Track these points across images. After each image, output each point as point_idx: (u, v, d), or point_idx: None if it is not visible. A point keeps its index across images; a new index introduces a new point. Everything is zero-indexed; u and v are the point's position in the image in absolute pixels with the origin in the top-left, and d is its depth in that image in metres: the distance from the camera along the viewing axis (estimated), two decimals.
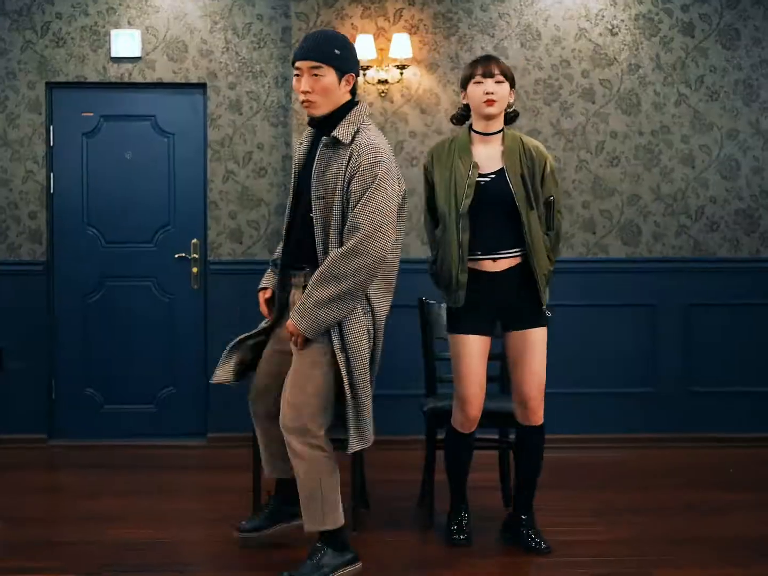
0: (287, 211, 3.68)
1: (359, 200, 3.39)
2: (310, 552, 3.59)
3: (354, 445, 3.48)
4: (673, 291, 5.94)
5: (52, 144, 6.04)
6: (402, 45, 5.73)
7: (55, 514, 4.61)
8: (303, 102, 3.52)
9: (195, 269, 6.07)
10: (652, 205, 5.97)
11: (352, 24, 5.86)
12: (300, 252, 3.58)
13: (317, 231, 3.47)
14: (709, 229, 5.97)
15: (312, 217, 3.49)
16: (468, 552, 3.98)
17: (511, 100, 3.96)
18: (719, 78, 5.95)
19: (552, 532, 4.13)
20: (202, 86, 6.06)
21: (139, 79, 6.02)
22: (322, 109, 3.51)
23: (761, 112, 5.96)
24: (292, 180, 3.69)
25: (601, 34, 5.93)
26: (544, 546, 3.95)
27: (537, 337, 3.94)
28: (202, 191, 6.09)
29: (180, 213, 6.08)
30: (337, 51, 3.49)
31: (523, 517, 4.02)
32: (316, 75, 3.47)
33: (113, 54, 5.98)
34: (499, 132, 3.94)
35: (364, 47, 5.72)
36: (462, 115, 4.05)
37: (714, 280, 5.93)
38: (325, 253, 3.46)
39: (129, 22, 6.00)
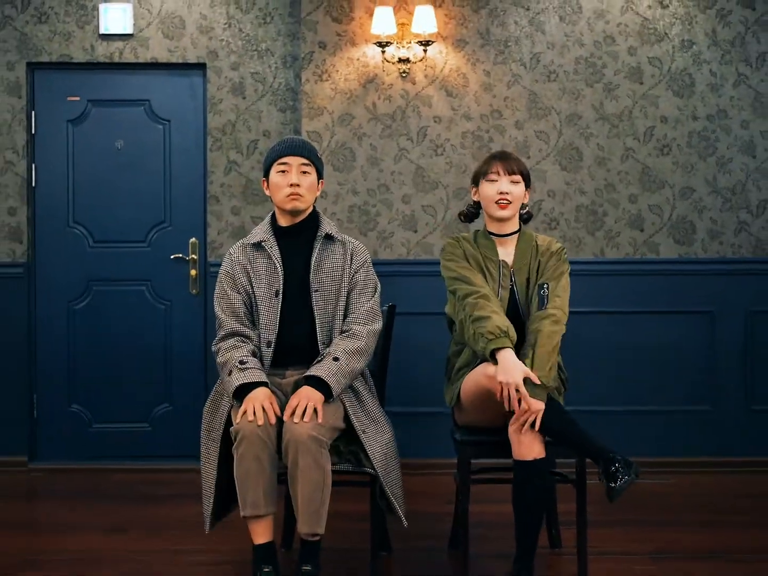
0: (268, 316, 3.66)
1: (367, 290, 3.72)
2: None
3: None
4: (732, 296, 5.45)
5: (33, 132, 5.66)
6: (426, 19, 5.24)
7: (32, 557, 4.02)
8: (291, 195, 3.64)
9: (193, 272, 5.65)
10: (707, 199, 5.46)
11: None
12: (297, 348, 3.66)
13: (319, 321, 3.65)
14: None
15: (313, 309, 3.65)
16: None
17: (526, 201, 3.79)
18: None
19: None
20: (201, 67, 5.64)
21: (130, 59, 5.60)
22: (305, 204, 3.69)
23: None
24: (279, 283, 3.67)
25: (650, 7, 5.41)
26: None
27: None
28: (201, 184, 5.68)
29: (177, 209, 5.68)
30: (318, 155, 3.79)
31: (516, 565, 3.46)
32: (305, 172, 3.68)
33: (102, 31, 5.57)
34: (515, 233, 3.77)
35: (383, 21, 5.23)
36: (472, 213, 3.90)
37: None
38: (329, 339, 3.65)
39: None
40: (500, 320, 3.43)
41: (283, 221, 3.71)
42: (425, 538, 4.13)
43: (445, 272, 3.70)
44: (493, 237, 3.73)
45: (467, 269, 3.64)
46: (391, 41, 5.31)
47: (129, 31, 5.54)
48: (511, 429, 3.38)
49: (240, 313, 3.63)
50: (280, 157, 3.67)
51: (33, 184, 5.62)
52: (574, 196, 5.42)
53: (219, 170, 5.56)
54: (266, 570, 3.39)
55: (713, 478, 5.19)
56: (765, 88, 5.41)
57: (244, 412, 3.37)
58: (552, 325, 3.49)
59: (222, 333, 3.63)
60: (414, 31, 5.27)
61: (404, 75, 5.38)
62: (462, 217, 3.90)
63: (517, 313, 3.62)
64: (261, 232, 3.72)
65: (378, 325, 3.69)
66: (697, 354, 5.43)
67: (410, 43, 5.33)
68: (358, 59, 5.38)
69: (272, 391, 3.52)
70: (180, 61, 5.58)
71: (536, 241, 3.73)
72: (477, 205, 3.81)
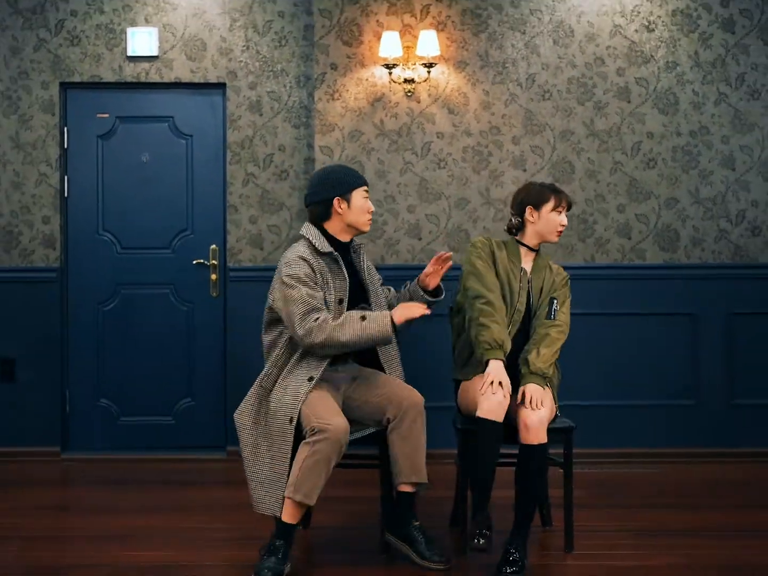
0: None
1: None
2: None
3: None
4: (713, 299, 5.73)
5: (66, 146, 5.90)
6: (429, 42, 5.55)
7: (68, 534, 4.40)
8: (370, 219, 4.05)
9: (214, 276, 5.91)
10: (690, 209, 5.75)
11: (377, 21, 5.66)
12: None
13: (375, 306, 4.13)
14: (750, 233, 5.74)
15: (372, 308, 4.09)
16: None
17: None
18: (761, 76, 5.72)
19: (592, 555, 3.94)
20: (221, 86, 5.90)
21: (156, 78, 5.86)
22: None
23: None
24: (346, 291, 4.00)
25: (636, 31, 5.72)
26: (511, 570, 3.69)
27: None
28: (221, 195, 5.92)
29: (198, 217, 5.93)
30: None
31: (515, 536, 3.80)
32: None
33: (129, 53, 5.83)
34: (537, 250, 4.23)
35: (390, 45, 5.55)
36: (518, 228, 4.22)
37: (756, 287, 5.71)
38: None
39: (146, 20, 5.83)
40: (498, 332, 3.87)
41: (345, 237, 4.03)
42: (429, 517, 4.44)
43: (467, 266, 4.07)
44: (526, 249, 4.15)
45: (486, 269, 4.03)
46: (398, 63, 5.61)
47: (154, 53, 5.81)
48: (521, 418, 3.77)
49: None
50: (365, 184, 4.04)
51: (65, 195, 5.88)
52: None
53: (237, 182, 5.86)
54: (278, 543, 3.74)
55: (696, 467, 5.51)
56: (744, 106, 5.72)
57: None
58: (558, 333, 4.02)
59: (316, 315, 3.83)
60: (418, 53, 5.57)
61: (409, 94, 5.70)
62: (509, 230, 4.24)
63: (529, 315, 4.10)
64: (321, 242, 3.95)
65: None
66: (681, 352, 5.72)
67: (415, 64, 5.63)
68: (366, 79, 5.70)
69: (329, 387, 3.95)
70: (202, 80, 5.85)
71: (549, 264, 4.22)
72: (523, 223, 4.16)
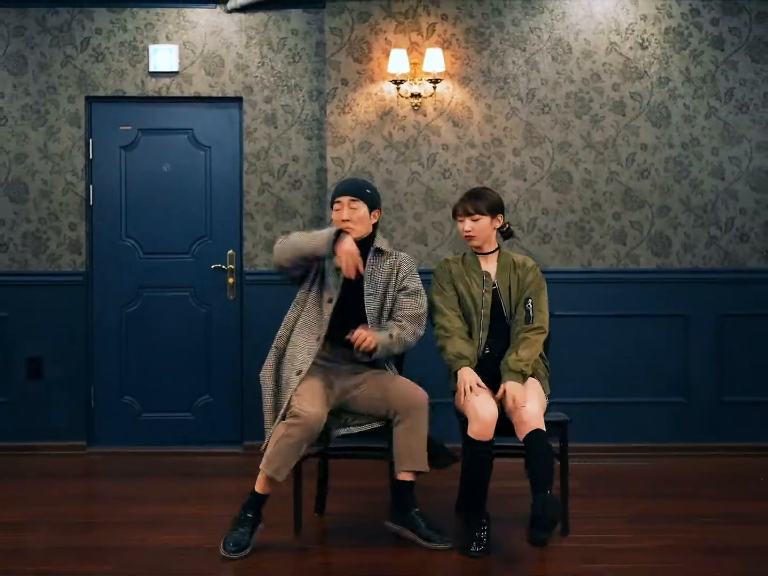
0: (331, 313, 4.31)
1: (414, 295, 4.42)
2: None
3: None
4: (703, 301, 6.00)
5: (91, 157, 6.16)
6: (435, 59, 5.83)
7: (99, 520, 4.70)
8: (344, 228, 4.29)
9: (231, 280, 6.16)
10: (682, 217, 6.03)
11: (385, 39, 5.96)
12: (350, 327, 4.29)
13: (370, 320, 4.34)
14: (738, 240, 6.02)
15: (365, 309, 4.35)
16: (501, 559, 4.03)
17: (498, 225, 4.47)
18: (749, 90, 6.00)
19: (583, 539, 4.23)
20: (238, 100, 6.17)
21: (176, 93, 6.14)
22: (357, 234, 4.32)
23: None
24: (338, 288, 4.32)
25: (631, 48, 6.01)
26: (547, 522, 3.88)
27: (528, 384, 4.22)
28: (238, 203, 6.19)
29: (216, 224, 6.19)
30: (368, 191, 4.40)
31: (535, 497, 3.99)
32: (353, 207, 4.33)
33: (151, 68, 6.11)
34: (494, 251, 4.48)
35: (398, 61, 5.83)
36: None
37: (744, 290, 5.98)
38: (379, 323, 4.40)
39: (167, 38, 6.12)
40: (454, 345, 4.28)
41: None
42: (436, 505, 4.75)
43: (431, 296, 4.44)
44: (478, 254, 4.47)
45: (443, 299, 4.38)
46: (405, 79, 5.89)
47: (175, 69, 6.09)
48: (515, 415, 4.05)
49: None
50: (334, 197, 4.40)
51: (90, 203, 6.15)
52: (564, 213, 6.01)
53: (254, 190, 6.15)
54: (249, 515, 4.14)
55: (686, 460, 5.80)
56: (732, 119, 6.00)
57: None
58: (537, 335, 4.32)
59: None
60: (425, 70, 5.85)
61: (416, 108, 5.98)
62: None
63: (501, 313, 4.37)
64: None
65: (421, 331, 4.37)
66: (672, 352, 5.99)
67: (421, 80, 5.92)
68: (376, 94, 5.98)
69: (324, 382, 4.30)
70: (219, 95, 6.13)
71: (513, 259, 4.46)
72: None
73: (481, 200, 4.41)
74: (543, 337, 4.35)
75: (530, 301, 4.37)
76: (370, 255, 4.39)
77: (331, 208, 4.42)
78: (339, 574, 3.97)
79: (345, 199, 4.35)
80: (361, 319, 4.33)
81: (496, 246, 4.49)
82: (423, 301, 4.40)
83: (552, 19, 5.99)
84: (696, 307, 6.00)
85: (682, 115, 6.02)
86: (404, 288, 4.40)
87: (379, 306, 4.40)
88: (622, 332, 5.99)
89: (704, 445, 5.95)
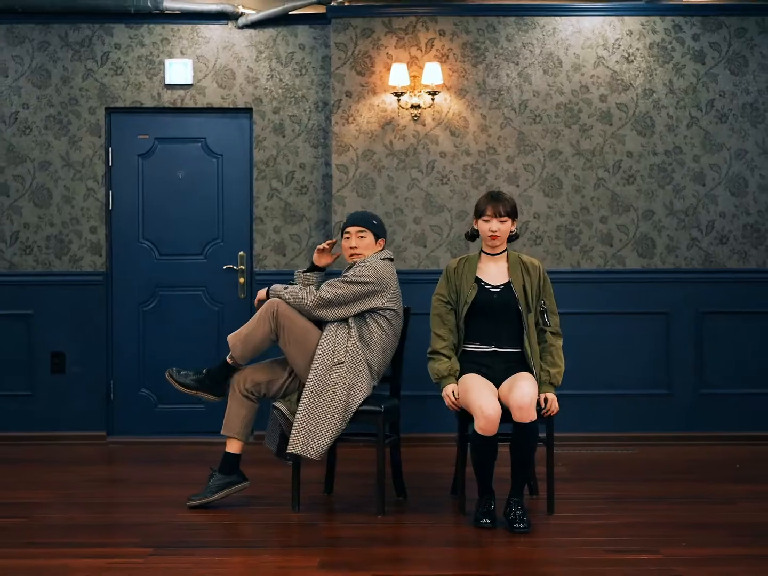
0: None
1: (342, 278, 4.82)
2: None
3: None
4: (685, 300, 6.32)
5: (110, 164, 6.50)
6: (433, 72, 6.17)
7: (122, 501, 5.07)
8: (351, 255, 4.86)
9: (242, 279, 6.50)
10: (665, 220, 6.36)
11: (387, 53, 6.31)
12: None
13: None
14: (718, 242, 6.35)
15: None
16: (493, 533, 4.39)
17: (513, 230, 4.71)
18: (728, 102, 6.35)
19: (568, 516, 4.59)
20: (248, 110, 6.51)
21: (190, 104, 6.48)
22: (360, 259, 4.83)
23: (767, 133, 6.36)
24: None
25: (617, 62, 6.35)
26: (522, 526, 4.34)
27: (525, 375, 4.57)
28: (248, 207, 6.53)
29: (228, 227, 6.52)
30: (374, 222, 4.90)
31: (513, 499, 4.45)
32: (361, 236, 4.85)
33: (167, 81, 6.45)
34: (503, 252, 4.72)
35: (399, 75, 6.17)
36: (474, 235, 4.82)
37: (724, 289, 6.32)
38: None
39: (181, 52, 6.48)
40: (436, 365, 4.63)
41: None
42: (432, 489, 5.15)
43: (433, 300, 4.74)
44: (488, 255, 4.70)
45: (437, 316, 4.68)
46: (405, 91, 6.22)
47: (189, 81, 6.43)
48: (514, 400, 4.38)
49: None
50: (344, 228, 4.92)
51: (110, 208, 6.48)
52: (555, 217, 6.34)
53: (263, 196, 6.48)
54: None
55: (668, 449, 6.16)
56: (713, 128, 6.35)
57: None
58: (556, 338, 4.71)
59: None
60: (424, 82, 6.19)
61: (416, 118, 6.31)
62: (466, 237, 4.87)
63: (514, 312, 4.62)
64: None
65: (325, 296, 4.69)
66: (656, 347, 6.33)
67: (421, 92, 6.25)
68: (377, 105, 6.31)
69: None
70: (231, 106, 6.47)
71: (520, 258, 4.72)
72: (476, 231, 4.74)
73: (507, 202, 4.64)
74: (561, 337, 4.73)
75: (544, 303, 4.68)
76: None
77: (342, 237, 4.91)
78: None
79: (353, 230, 4.86)
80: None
81: (505, 247, 4.73)
82: (341, 283, 4.72)
83: (543, 35, 6.34)
84: (678, 305, 6.33)
85: (665, 125, 6.35)
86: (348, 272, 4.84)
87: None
88: (609, 328, 6.31)
89: (685, 434, 6.28)
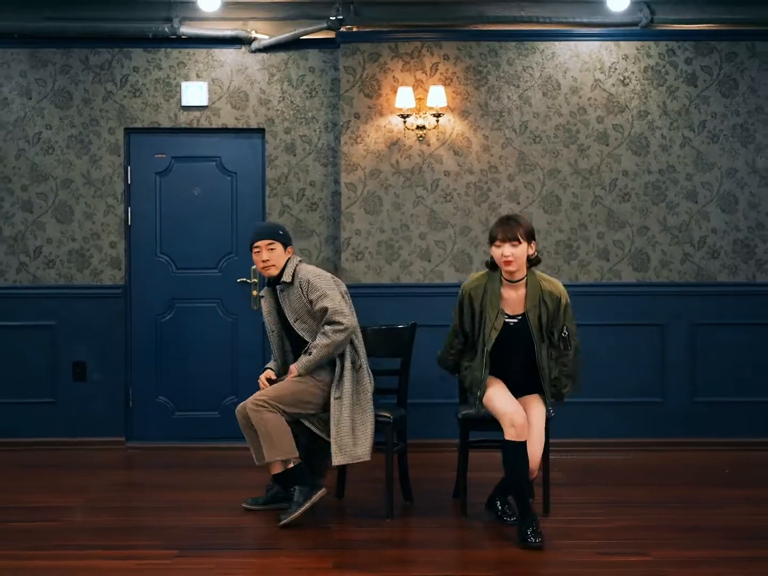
0: (278, 343, 5.14)
1: (321, 309, 4.86)
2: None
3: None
4: (678, 312, 6.56)
5: (129, 182, 6.75)
6: (438, 95, 6.43)
7: (142, 504, 5.34)
8: (263, 268, 4.94)
9: (255, 292, 6.71)
10: (659, 236, 6.60)
11: (393, 77, 6.58)
12: (299, 353, 5.04)
13: (306, 336, 4.95)
14: (710, 257, 6.59)
15: (298, 334, 4.98)
16: (493, 535, 4.66)
17: (531, 252, 4.60)
18: (719, 123, 6.60)
19: (563, 521, 4.84)
20: (261, 131, 6.76)
21: (205, 125, 6.74)
22: (275, 270, 4.96)
23: (757, 153, 6.60)
24: (276, 325, 5.10)
25: (613, 85, 6.60)
26: (538, 540, 4.40)
27: (537, 402, 4.71)
28: None
29: (242, 242, 6.60)
30: (280, 232, 5.00)
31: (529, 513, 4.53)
32: (271, 249, 4.93)
33: (183, 103, 6.71)
34: (522, 279, 4.61)
35: (405, 97, 6.43)
36: (493, 264, 4.70)
37: (715, 302, 6.55)
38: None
39: (197, 75, 6.73)
40: (468, 379, 4.76)
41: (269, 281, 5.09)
42: (436, 492, 5.42)
43: (454, 310, 4.77)
44: (507, 282, 4.60)
45: (452, 334, 4.80)
46: (411, 113, 6.47)
47: (204, 103, 6.68)
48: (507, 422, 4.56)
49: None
50: (252, 243, 5.01)
51: (129, 223, 6.73)
52: (554, 233, 6.58)
53: (275, 212, 6.72)
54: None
55: (661, 454, 6.39)
56: (705, 148, 6.59)
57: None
58: (573, 361, 4.79)
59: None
60: (429, 104, 6.44)
61: (421, 139, 6.56)
62: (486, 266, 4.72)
63: (532, 344, 4.63)
64: (267, 291, 5.08)
65: (343, 320, 4.76)
66: (651, 357, 6.56)
67: (426, 114, 6.50)
68: (384, 126, 6.56)
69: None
70: (244, 126, 6.72)
71: (541, 284, 4.60)
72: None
73: (519, 226, 4.50)
74: (578, 356, 4.81)
75: (567, 329, 4.65)
76: (279, 289, 4.99)
77: (251, 252, 5.01)
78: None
79: (263, 243, 4.96)
80: (303, 342, 4.97)
81: (525, 273, 4.59)
82: (327, 300, 4.81)
83: (543, 59, 6.59)
84: (672, 317, 6.56)
85: (659, 145, 6.60)
86: (311, 301, 4.89)
87: (308, 325, 4.93)
88: (606, 339, 6.52)
89: (678, 440, 6.51)
